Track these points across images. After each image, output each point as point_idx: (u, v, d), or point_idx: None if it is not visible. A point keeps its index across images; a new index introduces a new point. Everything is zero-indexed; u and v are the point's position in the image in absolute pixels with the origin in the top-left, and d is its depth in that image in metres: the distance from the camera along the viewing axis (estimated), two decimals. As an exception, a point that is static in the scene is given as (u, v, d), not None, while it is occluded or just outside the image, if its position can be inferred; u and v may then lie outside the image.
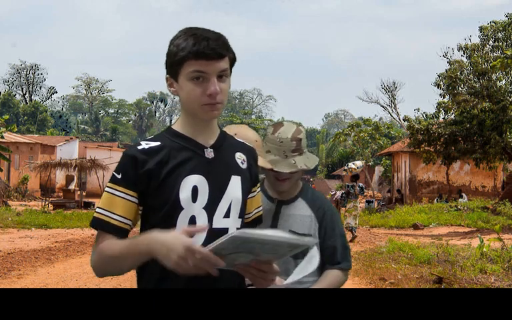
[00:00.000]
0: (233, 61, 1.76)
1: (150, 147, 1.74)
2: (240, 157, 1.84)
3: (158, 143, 1.76)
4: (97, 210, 1.74)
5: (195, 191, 1.71)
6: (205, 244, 1.63)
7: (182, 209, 1.70)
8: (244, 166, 1.84)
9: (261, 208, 1.97)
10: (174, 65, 1.71)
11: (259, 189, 1.95)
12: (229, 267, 1.57)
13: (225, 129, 1.96)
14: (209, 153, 1.77)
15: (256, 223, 1.95)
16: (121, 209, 1.70)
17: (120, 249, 1.66)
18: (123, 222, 1.71)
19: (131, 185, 1.71)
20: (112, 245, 1.69)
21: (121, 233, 1.71)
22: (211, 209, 1.73)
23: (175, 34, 1.76)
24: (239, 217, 1.80)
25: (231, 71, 1.77)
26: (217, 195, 1.74)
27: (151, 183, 1.70)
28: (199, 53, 1.66)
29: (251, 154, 1.89)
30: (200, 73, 1.68)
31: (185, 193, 1.70)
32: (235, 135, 2.00)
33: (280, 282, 1.84)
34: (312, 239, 1.69)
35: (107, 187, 1.73)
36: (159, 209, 1.71)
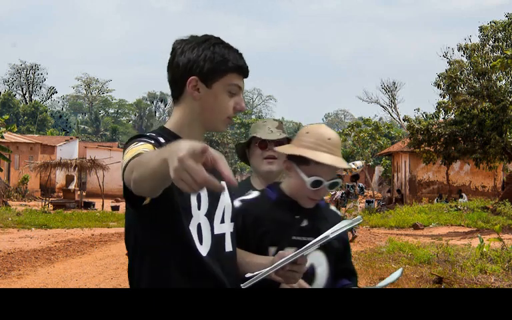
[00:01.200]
0: None
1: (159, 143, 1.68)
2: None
3: (161, 140, 1.70)
4: (126, 162, 1.51)
5: (198, 198, 1.70)
6: (211, 251, 1.70)
7: (192, 216, 1.68)
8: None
9: None
10: (214, 71, 1.70)
11: None
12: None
13: (304, 130, 2.02)
14: None
15: None
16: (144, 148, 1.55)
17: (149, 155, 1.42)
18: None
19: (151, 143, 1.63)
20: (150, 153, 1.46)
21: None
22: (211, 215, 1.73)
23: (194, 37, 1.74)
24: (231, 221, 1.82)
25: None
26: (213, 201, 1.75)
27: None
28: (243, 69, 1.74)
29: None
30: (238, 88, 1.74)
31: (193, 201, 1.69)
32: (307, 133, 2.00)
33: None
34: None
35: (128, 148, 1.56)
36: (166, 217, 1.64)
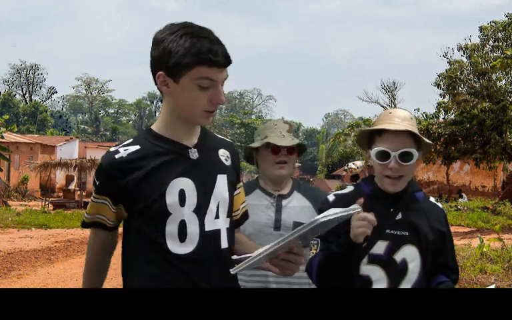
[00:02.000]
0: None
1: (128, 154, 1.67)
2: (224, 154, 1.80)
3: (137, 147, 1.69)
4: (85, 215, 1.78)
5: (182, 194, 1.65)
6: (198, 248, 1.65)
7: (170, 214, 1.64)
8: (228, 163, 1.80)
9: (246, 202, 1.94)
10: (178, 66, 1.59)
11: (242, 184, 1.92)
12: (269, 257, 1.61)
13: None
14: (193, 154, 1.71)
15: (244, 218, 1.92)
16: (104, 212, 1.73)
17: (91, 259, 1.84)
18: (107, 221, 1.74)
19: (108, 194, 1.70)
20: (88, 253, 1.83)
21: (106, 228, 1.75)
22: (201, 211, 1.68)
23: (168, 27, 1.64)
24: (227, 217, 1.76)
25: None
26: (205, 196, 1.69)
27: (133, 192, 1.64)
28: (213, 60, 1.58)
29: (232, 149, 1.85)
30: (210, 81, 1.61)
31: (171, 198, 1.64)
32: (390, 113, 1.98)
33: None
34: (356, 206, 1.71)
35: (92, 196, 1.75)
36: (143, 215, 1.66)
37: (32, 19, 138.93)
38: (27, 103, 66.91)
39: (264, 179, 2.52)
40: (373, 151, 1.96)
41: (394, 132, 1.92)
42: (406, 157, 1.92)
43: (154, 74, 1.66)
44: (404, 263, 1.93)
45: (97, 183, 1.72)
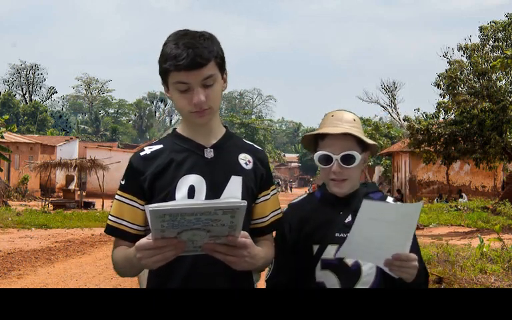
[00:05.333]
0: (220, 62, 1.73)
1: (152, 152, 1.78)
2: (244, 158, 1.82)
3: (160, 146, 1.80)
4: (109, 217, 1.78)
5: (191, 190, 1.72)
6: None
7: None
8: (248, 167, 1.82)
9: (279, 211, 1.91)
10: (161, 73, 1.74)
11: (274, 192, 1.90)
12: (195, 252, 1.55)
13: None
14: (209, 153, 1.78)
15: (273, 227, 1.90)
16: (128, 215, 1.75)
17: (121, 262, 1.73)
18: (131, 228, 1.75)
19: (135, 193, 1.75)
20: (118, 255, 1.75)
21: (131, 237, 1.74)
22: None
23: (168, 37, 1.74)
24: None
25: (223, 69, 1.76)
26: (214, 194, 1.72)
27: (150, 186, 1.73)
28: (178, 65, 1.65)
29: (258, 156, 1.87)
30: (184, 84, 1.69)
31: (181, 192, 1.71)
32: (332, 116, 1.98)
33: None
34: (241, 201, 1.48)
35: (116, 193, 1.78)
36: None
37: (32, 19, 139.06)
38: (26, 103, 66.92)
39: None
40: (316, 155, 1.97)
41: (335, 135, 1.92)
42: (348, 159, 1.92)
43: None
44: (356, 266, 1.91)
45: (123, 182, 1.78)
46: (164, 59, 1.69)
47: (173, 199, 1.70)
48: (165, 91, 1.79)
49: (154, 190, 1.73)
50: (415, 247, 1.93)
